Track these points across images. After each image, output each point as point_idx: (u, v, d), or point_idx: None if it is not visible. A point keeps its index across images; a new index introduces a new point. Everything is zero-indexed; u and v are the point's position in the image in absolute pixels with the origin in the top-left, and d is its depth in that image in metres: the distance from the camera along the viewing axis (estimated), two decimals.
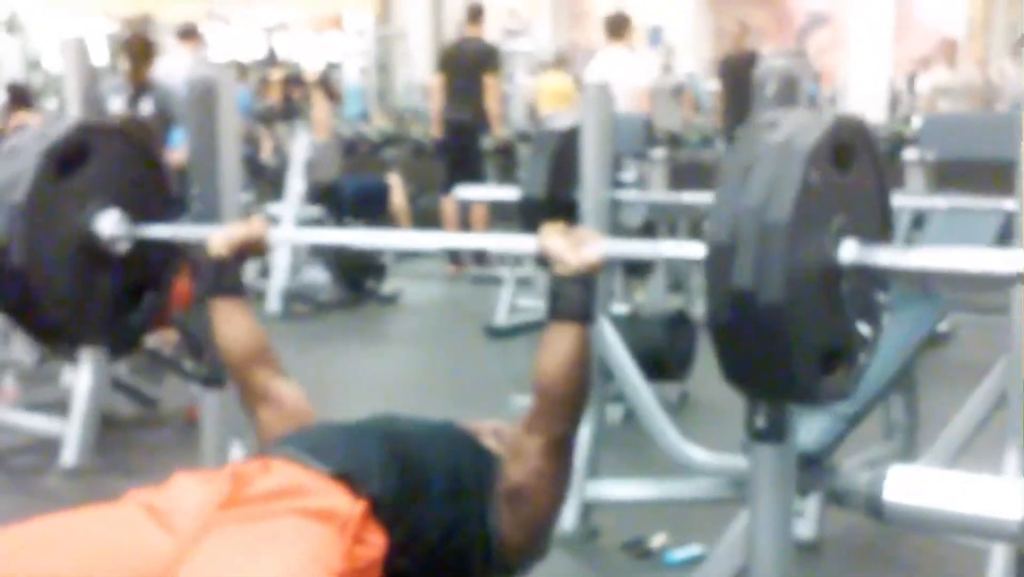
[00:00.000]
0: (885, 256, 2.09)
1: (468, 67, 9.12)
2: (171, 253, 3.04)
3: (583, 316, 2.33)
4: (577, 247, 2.34)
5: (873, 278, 2.13)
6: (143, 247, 2.91)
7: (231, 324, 2.67)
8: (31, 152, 2.76)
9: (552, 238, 2.38)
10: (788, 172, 1.97)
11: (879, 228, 2.20)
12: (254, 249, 2.71)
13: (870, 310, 2.16)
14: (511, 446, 2.39)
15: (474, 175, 8.53)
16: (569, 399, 2.33)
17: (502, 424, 2.55)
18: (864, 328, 2.14)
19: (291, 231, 2.48)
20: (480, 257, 9.36)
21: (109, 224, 2.85)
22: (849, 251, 2.07)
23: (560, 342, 2.31)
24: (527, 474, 2.34)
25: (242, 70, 9.59)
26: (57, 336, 2.87)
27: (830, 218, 2.06)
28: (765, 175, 1.97)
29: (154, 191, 3.02)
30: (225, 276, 2.69)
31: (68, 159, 2.80)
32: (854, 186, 2.14)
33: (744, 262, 1.95)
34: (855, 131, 2.15)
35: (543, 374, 2.31)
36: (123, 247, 2.87)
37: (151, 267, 2.98)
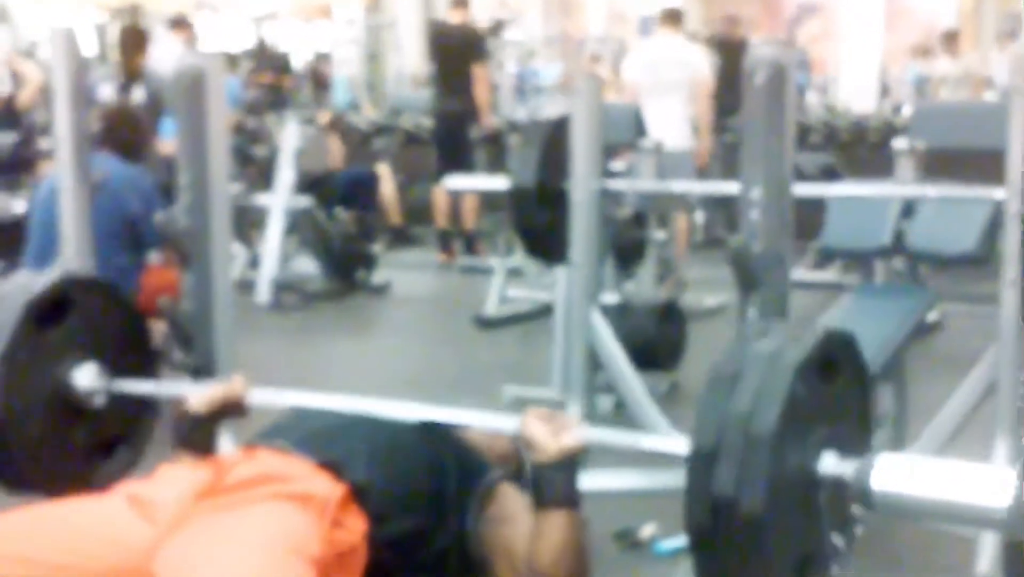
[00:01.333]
0: (864, 472, 2.04)
1: (455, 55, 9.10)
2: (147, 407, 3.02)
3: (569, 502, 2.30)
4: (557, 433, 2.31)
5: (849, 491, 2.10)
6: (120, 400, 2.89)
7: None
8: (13, 304, 2.76)
9: (533, 424, 2.33)
10: (776, 383, 1.97)
11: (860, 440, 2.20)
12: (232, 410, 2.64)
13: (845, 521, 2.15)
14: (513, 555, 2.35)
15: (464, 165, 8.51)
16: None
17: (514, 445, 2.54)
18: (838, 539, 2.13)
19: (271, 394, 2.47)
20: (471, 246, 9.35)
21: (86, 378, 2.84)
22: (829, 464, 2.06)
23: (550, 531, 2.27)
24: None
25: (232, 60, 9.56)
26: (28, 488, 2.83)
27: (812, 429, 2.05)
28: (753, 384, 1.98)
29: (133, 344, 3.01)
30: (197, 434, 2.59)
31: (49, 312, 2.81)
32: (838, 398, 2.14)
33: (727, 470, 1.95)
34: (842, 345, 2.16)
35: (540, 564, 2.28)
36: (100, 400, 2.86)
37: (127, 420, 2.96)
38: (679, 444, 2.09)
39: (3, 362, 2.71)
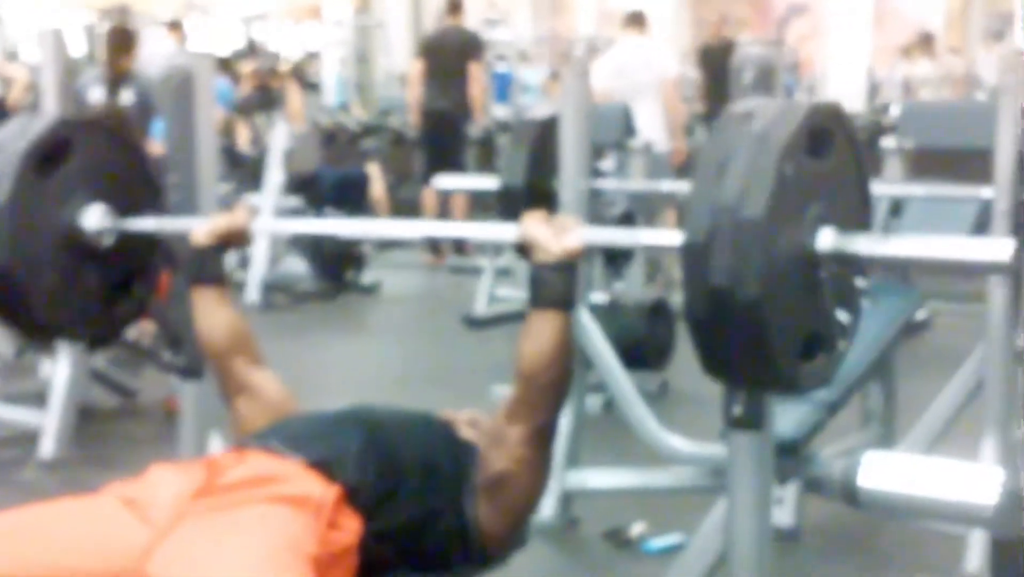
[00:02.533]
0: (862, 244, 2.09)
1: (450, 56, 9.09)
2: (157, 242, 3.03)
3: (565, 303, 2.32)
4: (558, 235, 2.33)
5: (851, 265, 2.13)
6: (129, 239, 2.90)
7: (212, 314, 2.66)
8: (11, 151, 2.75)
9: (533, 226, 2.37)
10: (762, 166, 1.96)
11: (858, 214, 2.20)
12: (237, 239, 2.70)
13: (848, 296, 2.16)
14: (491, 435, 2.39)
15: (455, 165, 8.51)
16: (552, 387, 2.33)
17: (477, 414, 2.55)
18: (843, 314, 2.14)
19: (273, 221, 2.48)
20: (460, 246, 9.35)
21: (94, 218, 2.84)
22: (826, 239, 2.06)
23: (542, 330, 2.30)
24: (509, 462, 2.34)
25: (224, 63, 9.55)
26: (47, 333, 2.85)
27: (807, 207, 2.05)
28: (740, 170, 1.97)
29: (138, 183, 3.01)
30: (207, 265, 2.68)
31: (49, 156, 2.80)
32: (831, 173, 2.13)
33: (721, 259, 1.94)
34: (831, 117, 2.14)
35: (526, 362, 2.31)
36: (109, 241, 2.87)
37: (138, 257, 2.97)
38: (675, 237, 2.07)
39: (8, 210, 2.69)
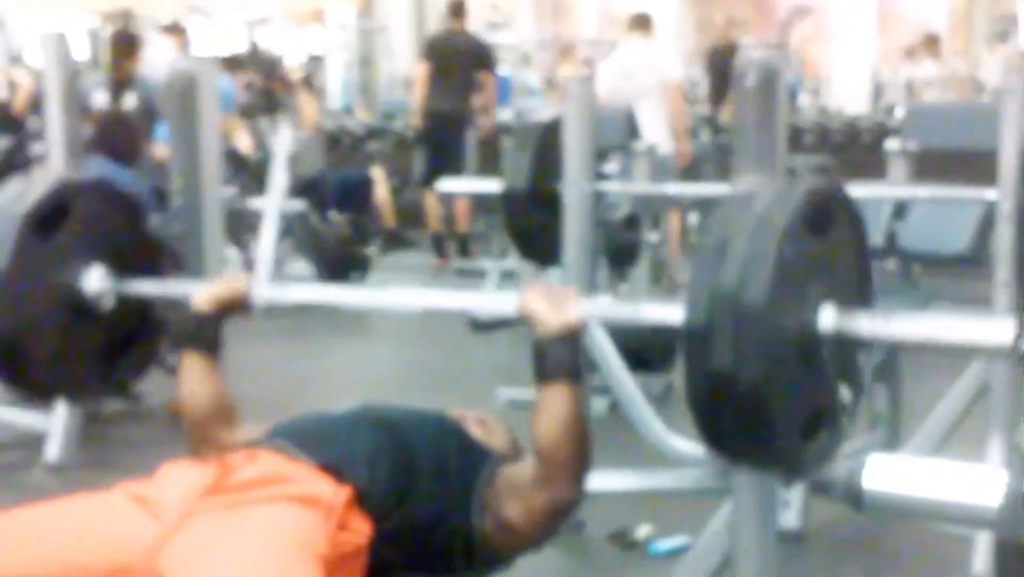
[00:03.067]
0: (864, 323, 2.06)
1: (456, 60, 9.09)
2: (156, 306, 3.02)
3: (571, 375, 2.30)
4: (557, 307, 2.31)
5: (853, 343, 2.11)
6: (129, 300, 2.89)
7: (198, 383, 2.61)
8: (11, 215, 2.75)
9: (532, 300, 2.34)
10: (762, 250, 1.95)
11: (858, 289, 2.19)
12: (237, 307, 2.66)
13: (851, 373, 2.14)
14: (515, 484, 2.37)
15: (455, 168, 8.51)
16: (572, 460, 2.30)
17: (488, 417, 2.55)
18: (845, 392, 2.13)
19: (274, 288, 2.50)
20: (464, 249, 9.35)
21: (94, 281, 2.83)
22: (828, 319, 2.04)
23: (553, 405, 2.28)
24: (521, 517, 2.34)
25: (233, 63, 9.55)
26: (47, 394, 2.84)
27: (807, 287, 2.04)
28: (740, 253, 1.96)
29: (137, 244, 3.01)
30: (204, 331, 2.63)
31: (49, 218, 2.80)
32: (831, 250, 2.12)
33: (722, 344, 1.93)
34: (831, 195, 2.14)
35: (541, 440, 2.28)
36: (108, 303, 2.86)
37: (138, 318, 2.96)
38: (676, 313, 2.07)
39: (8, 275, 2.68)
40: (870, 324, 2.06)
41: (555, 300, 2.33)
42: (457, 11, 9.26)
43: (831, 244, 2.11)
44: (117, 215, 2.95)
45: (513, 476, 2.39)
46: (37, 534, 2.11)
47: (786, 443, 2.01)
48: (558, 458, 2.28)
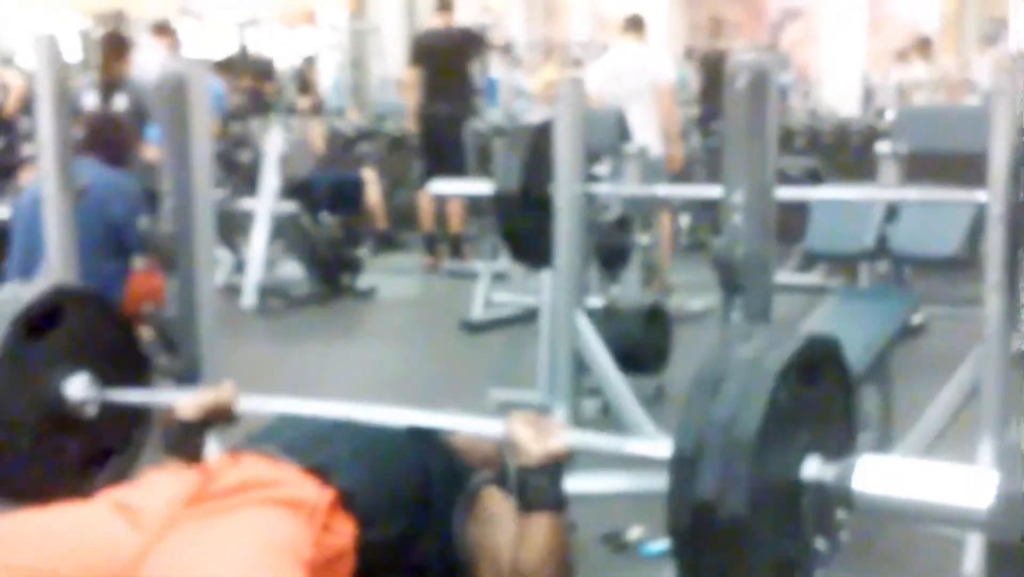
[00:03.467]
0: (847, 475, 2.05)
1: (446, 57, 9.06)
2: (139, 416, 3.02)
3: (553, 505, 2.30)
4: (541, 437, 2.31)
5: (834, 496, 2.11)
6: (112, 410, 2.89)
7: None
8: (3, 315, 2.77)
9: (517, 427, 2.34)
10: (758, 388, 1.98)
11: (844, 444, 2.20)
12: (222, 415, 2.64)
13: (828, 526, 2.15)
14: (498, 563, 2.37)
15: (456, 169, 8.48)
16: None
17: (497, 449, 2.55)
18: (821, 543, 2.13)
19: (259, 400, 2.51)
20: (457, 250, 9.35)
21: (78, 388, 2.84)
22: (812, 468, 2.06)
23: (535, 535, 2.28)
24: None
25: (226, 65, 9.53)
26: (20, 499, 2.83)
27: (795, 434, 2.06)
28: (735, 389, 1.99)
29: (124, 354, 3.01)
30: (187, 439, 2.60)
31: (40, 322, 2.80)
32: (820, 402, 2.14)
33: (709, 474, 1.95)
34: (824, 349, 2.16)
35: (524, 568, 2.28)
36: (92, 410, 2.86)
37: (119, 429, 2.96)
38: (663, 448, 2.09)
39: None
40: (849, 478, 2.05)
41: (540, 429, 2.32)
42: (444, 6, 9.22)
43: (820, 395, 2.14)
44: (107, 324, 2.97)
45: (498, 552, 2.38)
46: (19, 545, 2.10)
47: None
48: None
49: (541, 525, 2.27)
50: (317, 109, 9.33)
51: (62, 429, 2.83)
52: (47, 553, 2.09)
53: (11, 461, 2.75)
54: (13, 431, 2.75)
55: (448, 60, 9.01)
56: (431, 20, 9.66)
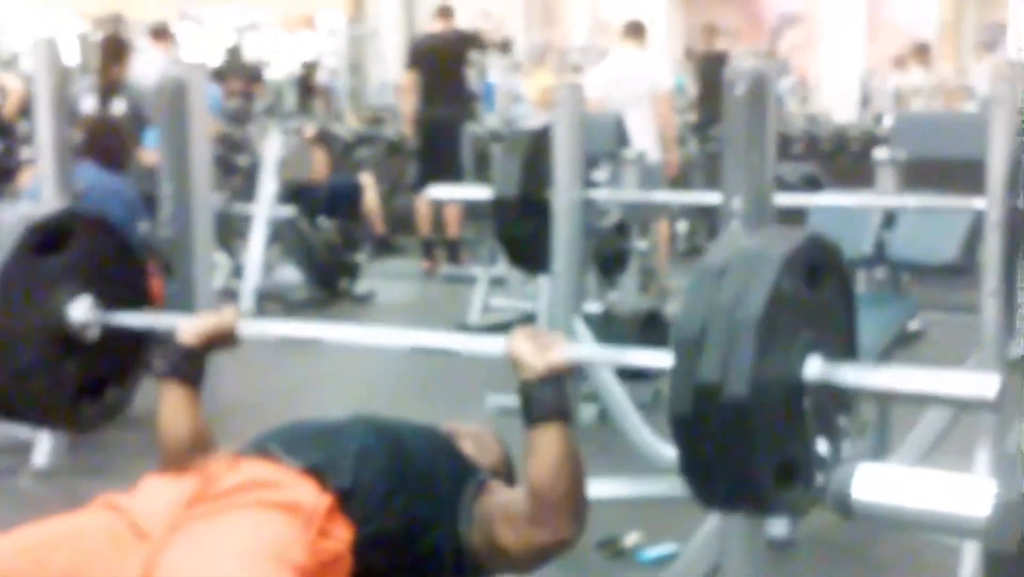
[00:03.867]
0: (850, 374, 2.10)
1: (443, 61, 9.07)
2: (138, 346, 3.02)
3: (559, 416, 2.30)
4: (542, 351, 2.32)
5: (836, 397, 2.14)
6: (113, 336, 2.89)
7: (177, 415, 2.61)
8: (12, 229, 2.76)
9: (518, 343, 2.35)
10: (761, 275, 2.00)
11: (845, 347, 2.21)
12: (223, 340, 2.65)
13: (831, 429, 2.16)
14: (510, 513, 2.37)
15: (453, 173, 8.49)
16: (567, 499, 2.30)
17: (482, 431, 2.55)
18: (823, 447, 2.14)
19: (260, 324, 2.52)
20: (454, 256, 9.35)
21: (81, 310, 2.84)
22: (814, 368, 2.08)
23: (543, 447, 2.28)
24: (518, 547, 2.34)
25: (222, 73, 9.54)
26: (15, 416, 2.84)
27: (797, 332, 2.07)
28: (739, 277, 2.01)
29: (129, 283, 3.01)
30: (188, 364, 2.62)
31: (48, 241, 2.81)
32: (822, 304, 2.15)
33: (712, 356, 1.96)
34: (827, 251, 2.18)
35: (533, 481, 2.29)
36: (93, 334, 2.86)
37: (118, 358, 2.96)
38: (664, 358, 2.09)
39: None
40: (855, 375, 2.10)
41: (540, 343, 2.34)
42: (444, 13, 9.23)
43: (822, 298, 2.15)
44: (113, 250, 2.96)
45: (509, 505, 2.38)
46: (24, 561, 2.09)
47: (759, 482, 2.03)
48: (553, 499, 2.28)
49: (549, 436, 2.27)
50: (323, 139, 9.32)
51: (63, 350, 2.83)
52: (54, 569, 2.07)
53: (7, 375, 2.75)
54: (13, 345, 2.74)
55: (445, 64, 9.02)
56: (430, 24, 9.67)
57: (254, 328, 2.67)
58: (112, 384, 2.94)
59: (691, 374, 1.97)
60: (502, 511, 2.37)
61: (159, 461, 2.61)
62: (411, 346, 2.58)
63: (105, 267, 2.92)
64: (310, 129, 9.11)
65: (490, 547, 2.36)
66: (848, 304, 2.24)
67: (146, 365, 3.00)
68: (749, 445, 1.97)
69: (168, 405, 2.61)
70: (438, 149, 8.93)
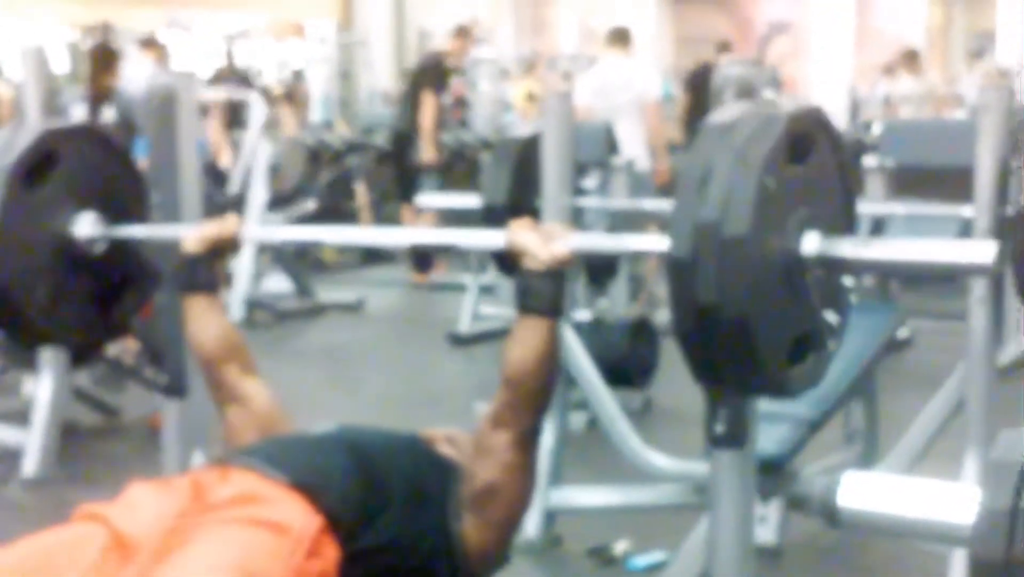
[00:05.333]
0: (847, 247, 2.13)
1: (415, 78, 9.23)
2: (147, 248, 3.06)
3: (553, 310, 2.35)
4: (546, 242, 2.36)
5: (836, 268, 2.16)
6: (120, 246, 2.93)
7: (203, 321, 2.69)
8: (0, 166, 2.77)
9: (521, 233, 2.39)
10: (744, 182, 1.99)
11: (841, 216, 2.23)
12: (227, 246, 2.74)
13: (836, 297, 2.19)
14: (475, 446, 2.40)
15: (409, 186, 8.64)
16: (538, 392, 2.36)
17: (455, 431, 2.56)
18: (831, 315, 2.16)
19: (262, 229, 2.53)
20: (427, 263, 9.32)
21: (85, 227, 2.88)
22: (811, 244, 2.10)
23: (530, 336, 2.33)
24: (496, 470, 2.36)
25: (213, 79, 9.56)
26: (42, 340, 2.91)
27: (790, 214, 2.08)
28: (721, 185, 2.00)
29: (126, 190, 3.04)
30: (198, 273, 2.70)
31: (37, 167, 2.82)
32: (814, 177, 2.16)
33: (706, 276, 1.98)
34: (812, 122, 2.17)
35: (513, 367, 2.34)
36: (100, 248, 2.89)
37: (129, 264, 2.99)
38: (663, 243, 2.09)
39: (1, 226, 2.74)
40: (853, 248, 2.13)
41: (544, 235, 2.38)
42: (458, 33, 9.37)
43: (813, 171, 2.15)
44: (105, 161, 2.98)
45: (473, 439, 2.43)
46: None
47: (773, 367, 2.06)
48: (526, 388, 2.33)
49: (539, 328, 2.32)
50: (289, 97, 9.32)
51: (75, 269, 2.88)
52: None
53: (30, 305, 2.80)
54: (28, 279, 2.79)
55: (413, 81, 9.29)
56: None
57: (256, 232, 2.72)
58: (128, 287, 3.01)
59: (689, 294, 1.99)
60: (471, 448, 2.41)
61: (203, 377, 2.71)
62: (411, 243, 2.60)
63: (99, 177, 2.96)
64: (277, 88, 9.12)
65: (477, 507, 2.36)
66: (840, 171, 2.24)
67: (154, 274, 3.04)
68: (756, 345, 2.01)
69: (191, 318, 2.70)
70: (400, 161, 9.08)
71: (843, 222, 2.22)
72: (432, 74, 9.17)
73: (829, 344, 2.18)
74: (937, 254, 2.19)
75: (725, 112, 2.13)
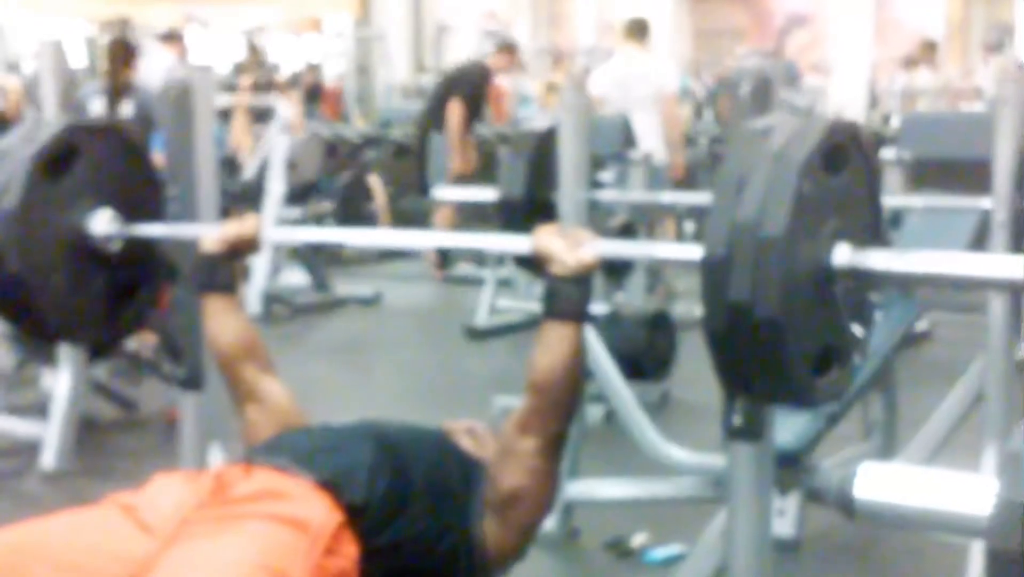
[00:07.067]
0: (877, 259, 2.12)
1: (446, 80, 9.40)
2: (163, 248, 3.07)
3: (579, 316, 2.35)
4: (573, 247, 2.35)
5: (865, 279, 2.16)
6: (136, 244, 2.93)
7: (221, 321, 2.69)
8: (20, 157, 2.78)
9: (548, 238, 2.39)
10: (782, 185, 1.99)
11: (870, 228, 2.22)
12: (246, 247, 2.73)
13: (862, 310, 2.19)
14: (501, 448, 2.40)
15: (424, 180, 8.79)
16: (565, 398, 2.35)
17: (475, 424, 2.55)
18: (857, 328, 2.16)
19: (281, 230, 2.52)
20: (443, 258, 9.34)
21: (102, 224, 2.88)
22: (842, 255, 2.10)
23: (556, 342, 2.33)
24: (522, 476, 2.36)
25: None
26: (54, 336, 2.91)
27: (823, 223, 2.08)
28: (759, 188, 2.00)
29: (144, 188, 3.04)
30: (218, 273, 2.71)
31: (57, 161, 2.82)
32: (846, 188, 2.16)
33: (741, 276, 1.98)
34: (847, 134, 2.17)
35: (539, 374, 2.33)
36: (116, 246, 2.90)
37: (144, 262, 3.00)
38: (694, 252, 2.11)
39: (19, 216, 2.74)
40: (883, 260, 2.12)
41: (570, 240, 2.38)
42: (501, 48, 9.48)
43: (845, 182, 2.15)
44: (125, 159, 2.99)
45: (499, 440, 2.43)
46: (29, 553, 2.09)
47: (799, 376, 2.07)
48: (553, 394, 2.34)
49: (564, 333, 2.32)
50: (298, 83, 9.32)
51: (90, 265, 2.88)
52: (59, 561, 2.07)
53: (44, 300, 2.80)
54: (43, 271, 2.79)
55: (446, 85, 9.32)
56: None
57: (276, 233, 2.71)
58: (142, 285, 3.01)
59: (722, 293, 2.00)
60: (498, 450, 2.41)
61: (221, 374, 2.71)
62: (435, 246, 2.60)
63: (118, 174, 2.96)
64: (279, 77, 9.13)
65: (500, 510, 2.36)
66: (871, 180, 2.24)
67: (171, 270, 3.05)
68: (786, 351, 2.01)
69: (209, 317, 2.71)
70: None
71: (871, 233, 2.22)
72: (466, 83, 9.18)
73: (854, 358, 2.18)
74: (968, 268, 2.18)
75: (764, 119, 2.13)
